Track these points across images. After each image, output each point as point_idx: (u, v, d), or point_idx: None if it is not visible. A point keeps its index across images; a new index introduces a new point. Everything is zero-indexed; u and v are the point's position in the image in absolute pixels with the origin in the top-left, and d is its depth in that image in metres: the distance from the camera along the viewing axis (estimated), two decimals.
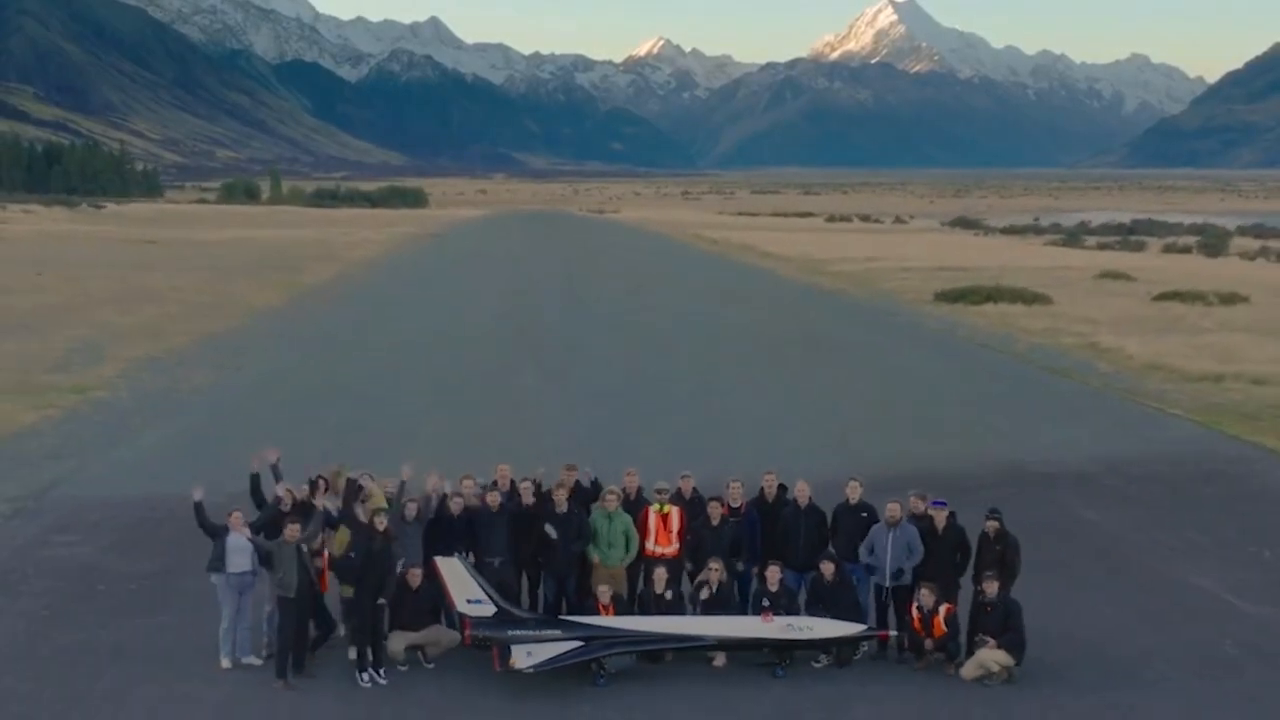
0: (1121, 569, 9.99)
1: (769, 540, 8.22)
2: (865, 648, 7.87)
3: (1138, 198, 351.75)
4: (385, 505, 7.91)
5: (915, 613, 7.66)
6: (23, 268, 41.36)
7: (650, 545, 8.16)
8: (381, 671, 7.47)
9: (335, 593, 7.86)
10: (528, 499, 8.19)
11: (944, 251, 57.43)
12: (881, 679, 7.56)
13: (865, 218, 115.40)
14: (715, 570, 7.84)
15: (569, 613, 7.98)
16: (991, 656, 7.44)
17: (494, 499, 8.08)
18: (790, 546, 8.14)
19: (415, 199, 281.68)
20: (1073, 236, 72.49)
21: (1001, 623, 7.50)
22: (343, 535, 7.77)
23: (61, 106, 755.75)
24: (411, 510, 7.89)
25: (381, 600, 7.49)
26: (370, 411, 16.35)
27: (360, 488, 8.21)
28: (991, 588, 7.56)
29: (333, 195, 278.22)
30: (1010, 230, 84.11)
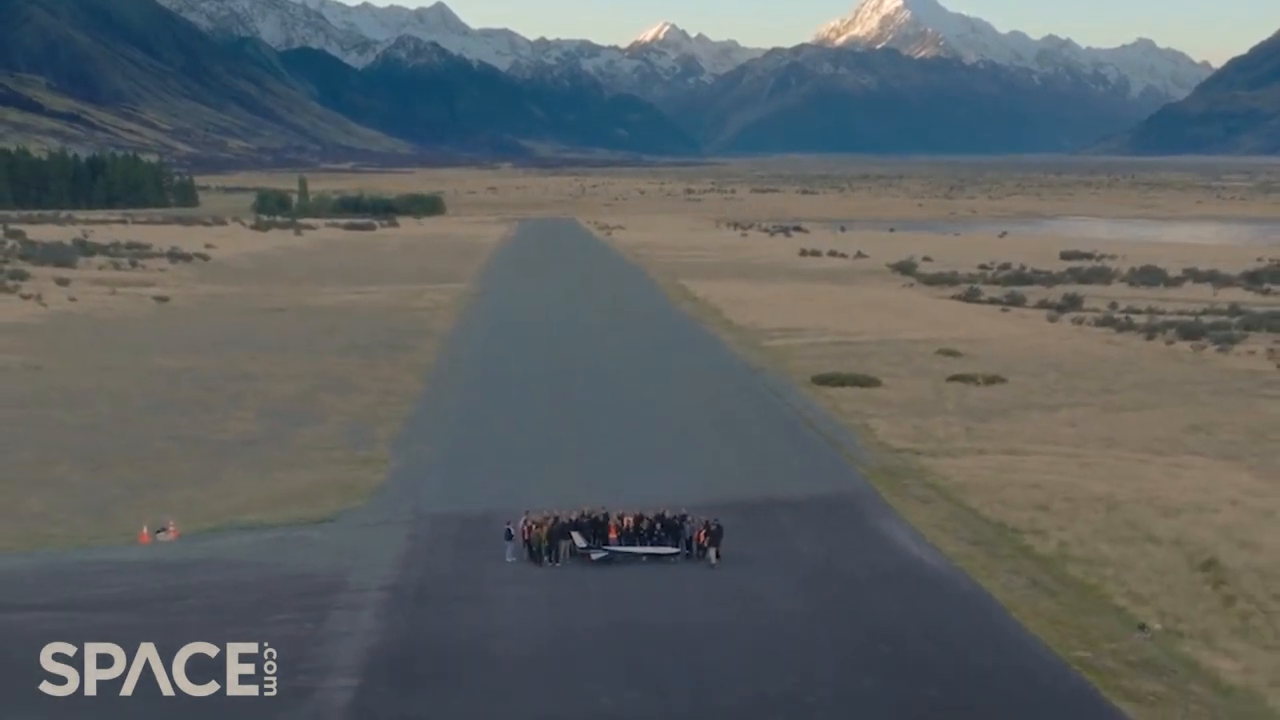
0: (776, 539, 30.71)
1: (673, 528, 29.60)
2: (681, 557, 29.16)
3: (1120, 199, 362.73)
4: (552, 521, 29.27)
5: (696, 544, 29.09)
6: (228, 349, 62.11)
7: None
8: (555, 564, 28.82)
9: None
10: (568, 517, 29.71)
11: (859, 316, 78.48)
12: (684, 565, 28.60)
13: (834, 252, 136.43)
14: (648, 518, 29.44)
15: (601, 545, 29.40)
16: (712, 552, 28.82)
17: (582, 517, 29.49)
18: (680, 529, 29.60)
19: (432, 205, 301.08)
20: (973, 293, 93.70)
21: (717, 546, 28.90)
22: (542, 527, 29.28)
23: (73, 97, 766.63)
24: (566, 518, 29.28)
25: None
26: (526, 464, 37.58)
27: (534, 521, 29.53)
28: (714, 538, 28.98)
29: (356, 203, 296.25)
30: (934, 280, 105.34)
